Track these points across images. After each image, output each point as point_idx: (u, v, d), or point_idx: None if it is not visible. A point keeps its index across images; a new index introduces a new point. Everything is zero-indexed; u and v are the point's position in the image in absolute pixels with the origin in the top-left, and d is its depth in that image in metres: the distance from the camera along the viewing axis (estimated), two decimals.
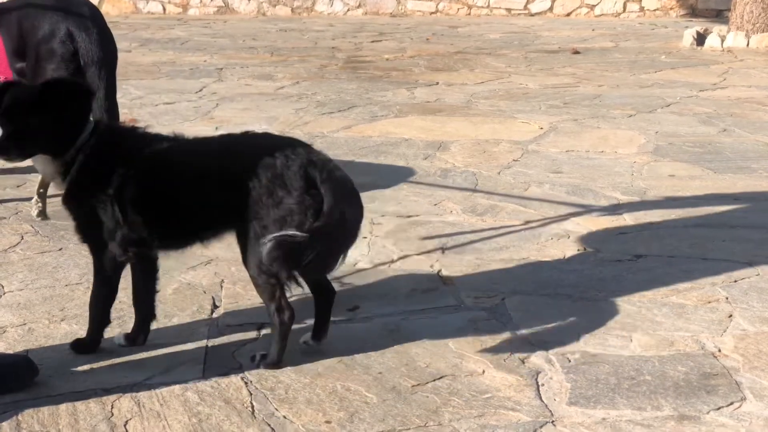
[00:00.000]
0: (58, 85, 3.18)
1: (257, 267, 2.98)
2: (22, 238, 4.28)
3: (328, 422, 2.74)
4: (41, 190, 4.50)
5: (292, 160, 2.98)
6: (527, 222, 4.57)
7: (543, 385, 2.98)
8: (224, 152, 3.08)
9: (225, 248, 4.13)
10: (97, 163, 3.02)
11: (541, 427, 2.73)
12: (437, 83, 8.46)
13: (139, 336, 3.23)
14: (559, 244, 4.28)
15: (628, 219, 4.63)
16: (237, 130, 6.44)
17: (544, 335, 3.32)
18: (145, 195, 3.03)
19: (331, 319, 3.24)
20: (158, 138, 3.14)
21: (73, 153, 3.01)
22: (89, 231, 3.08)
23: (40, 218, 4.49)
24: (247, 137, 3.17)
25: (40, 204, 4.52)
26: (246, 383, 2.96)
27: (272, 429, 2.69)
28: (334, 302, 3.22)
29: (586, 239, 4.34)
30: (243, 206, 2.97)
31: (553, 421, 2.76)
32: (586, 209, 4.78)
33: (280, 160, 2.97)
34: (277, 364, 3.04)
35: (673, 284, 3.78)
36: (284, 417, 2.76)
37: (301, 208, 2.93)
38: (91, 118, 3.12)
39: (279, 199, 2.94)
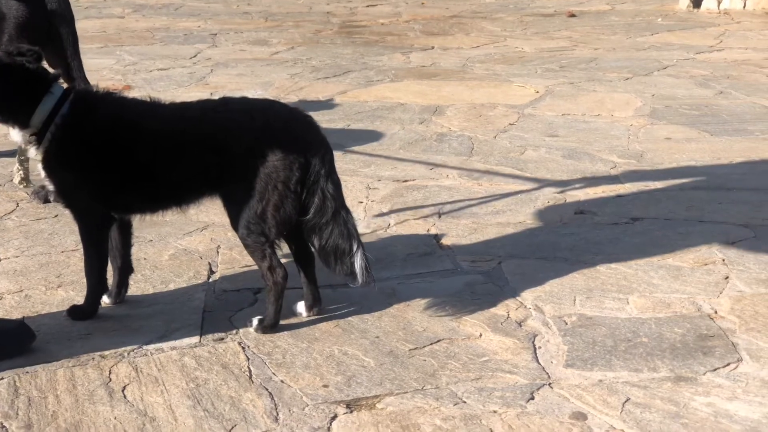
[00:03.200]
0: None
1: (246, 228, 2.99)
2: (18, 205, 4.26)
3: (325, 386, 2.74)
4: (21, 157, 4.47)
5: (272, 120, 3.02)
6: (523, 186, 4.56)
7: (540, 347, 2.99)
8: (204, 117, 3.06)
9: (220, 214, 4.13)
10: (73, 131, 2.99)
11: (538, 389, 2.73)
12: (432, 47, 8.42)
13: (121, 290, 3.26)
14: (555, 208, 4.27)
15: (624, 182, 4.63)
16: (233, 95, 6.44)
17: (540, 298, 3.32)
18: (124, 161, 3.00)
19: (331, 283, 3.24)
20: (136, 103, 3.11)
21: (39, 121, 2.98)
22: (70, 198, 3.08)
23: (22, 185, 4.47)
24: (226, 101, 3.17)
25: (21, 171, 4.50)
26: (243, 348, 2.96)
27: (270, 393, 2.70)
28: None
29: (583, 203, 4.33)
30: (227, 169, 2.98)
31: (550, 384, 2.76)
32: (583, 172, 4.77)
33: (260, 121, 3.00)
34: (274, 327, 3.06)
35: (670, 247, 3.78)
36: (282, 381, 2.77)
37: (285, 164, 2.95)
38: (63, 85, 3.09)
39: (263, 158, 2.94)
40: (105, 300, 3.22)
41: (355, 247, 3.02)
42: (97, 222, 3.10)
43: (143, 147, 3.01)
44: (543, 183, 4.61)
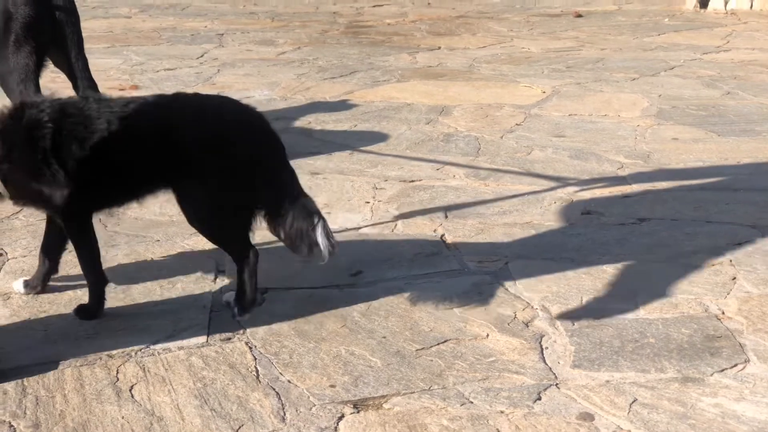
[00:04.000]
0: None
1: (200, 222, 3.12)
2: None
3: (332, 386, 2.74)
4: None
5: (224, 117, 3.11)
6: (530, 186, 4.56)
7: (547, 348, 2.98)
8: (158, 113, 3.12)
9: None
10: (21, 141, 2.97)
11: (545, 389, 2.73)
12: (439, 48, 8.41)
13: (39, 284, 3.31)
14: (562, 208, 4.27)
15: (631, 182, 4.62)
16: (239, 96, 6.44)
17: (547, 299, 3.32)
18: (83, 159, 3.00)
19: (338, 284, 3.24)
20: (91, 101, 3.12)
21: None
22: (40, 200, 3.08)
23: None
24: (180, 97, 3.25)
25: None
26: (250, 348, 2.96)
27: (277, 393, 2.70)
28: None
29: (590, 203, 4.33)
30: (180, 164, 3.05)
31: (557, 384, 2.76)
32: (590, 173, 4.77)
33: (212, 118, 3.09)
34: (253, 303, 3.15)
35: (677, 247, 3.78)
36: (288, 381, 2.77)
37: (234, 163, 3.04)
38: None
39: (215, 154, 3.02)
40: (20, 290, 3.28)
41: (315, 221, 3.09)
42: (72, 218, 3.12)
43: (99, 144, 3.02)
44: (550, 183, 4.60)
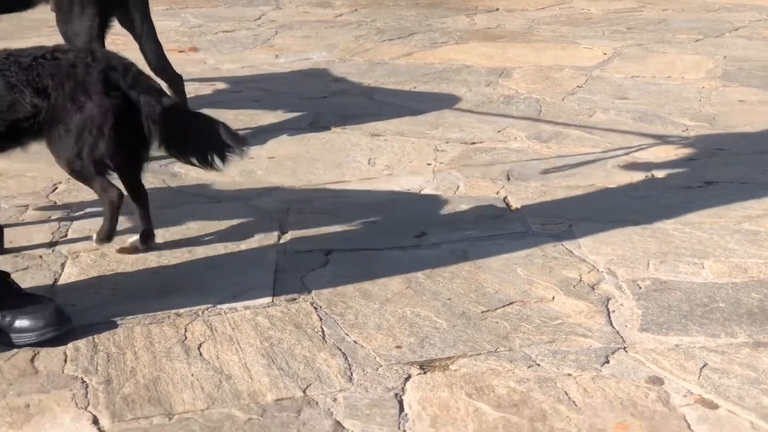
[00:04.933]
0: None
1: (67, 162, 3.20)
2: None
3: (398, 347, 2.75)
4: None
5: (91, 67, 3.19)
6: (593, 149, 4.50)
7: (614, 311, 2.96)
8: (32, 63, 3.20)
9: (289, 176, 4.16)
10: None
11: (613, 353, 2.71)
12: (497, 9, 8.32)
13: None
14: (626, 171, 4.21)
15: (697, 145, 4.55)
16: (297, 58, 6.43)
17: (613, 262, 3.29)
18: None
19: (402, 245, 3.23)
20: None
21: None
22: None
23: None
24: (55, 48, 3.31)
25: None
26: (315, 308, 2.97)
27: (343, 353, 2.71)
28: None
29: (655, 166, 4.27)
30: (50, 113, 3.16)
31: (625, 347, 2.74)
32: (654, 135, 4.70)
33: (80, 68, 3.18)
34: (108, 239, 3.29)
35: (745, 211, 3.71)
36: (354, 342, 2.78)
37: (100, 111, 3.15)
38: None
39: (81, 104, 3.14)
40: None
41: (216, 126, 3.26)
42: None
43: None
44: (613, 146, 4.54)
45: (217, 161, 3.28)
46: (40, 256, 3.34)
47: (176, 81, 4.62)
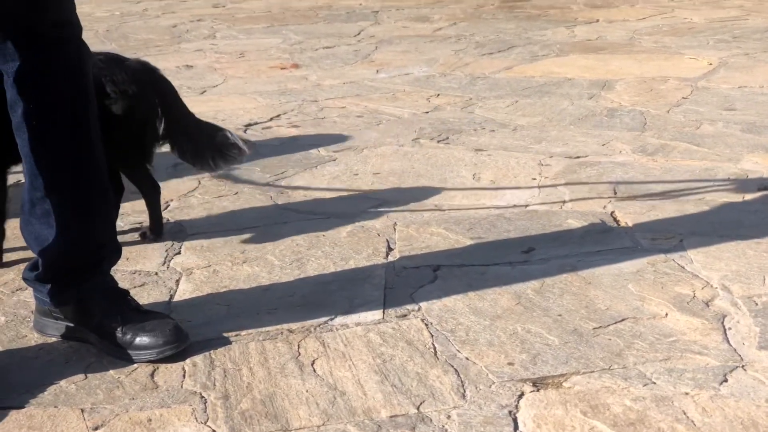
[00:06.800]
0: None
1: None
2: (200, 183, 4.41)
3: (510, 364, 2.74)
4: None
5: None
6: (701, 162, 4.43)
7: (730, 328, 2.90)
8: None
9: (394, 191, 4.19)
10: None
11: (731, 371, 2.66)
12: (597, 20, 8.25)
13: None
14: (736, 184, 4.13)
15: None
16: (398, 72, 6.47)
17: (727, 278, 3.23)
18: None
19: (510, 261, 3.22)
20: None
21: None
22: None
23: None
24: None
25: None
26: (426, 325, 2.98)
27: (455, 370, 2.71)
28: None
29: (767, 179, 4.17)
30: None
31: (743, 366, 2.68)
32: (764, 147, 4.60)
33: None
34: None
35: None
36: (466, 358, 2.78)
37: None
38: None
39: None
40: None
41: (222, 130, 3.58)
42: None
43: None
44: (722, 158, 4.46)
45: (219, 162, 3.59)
46: (156, 273, 3.42)
47: None
